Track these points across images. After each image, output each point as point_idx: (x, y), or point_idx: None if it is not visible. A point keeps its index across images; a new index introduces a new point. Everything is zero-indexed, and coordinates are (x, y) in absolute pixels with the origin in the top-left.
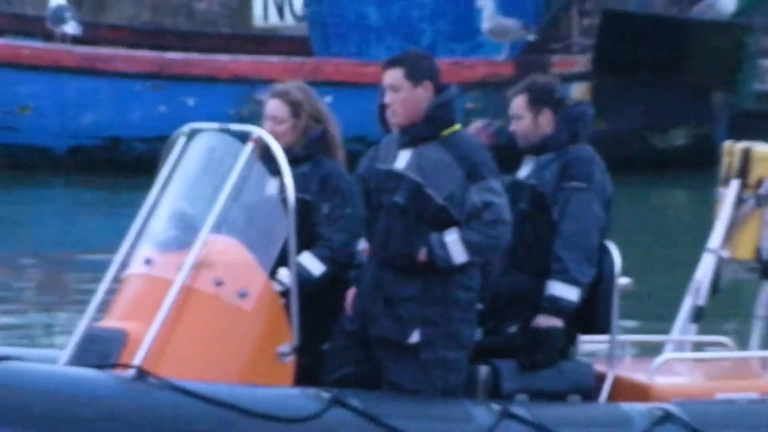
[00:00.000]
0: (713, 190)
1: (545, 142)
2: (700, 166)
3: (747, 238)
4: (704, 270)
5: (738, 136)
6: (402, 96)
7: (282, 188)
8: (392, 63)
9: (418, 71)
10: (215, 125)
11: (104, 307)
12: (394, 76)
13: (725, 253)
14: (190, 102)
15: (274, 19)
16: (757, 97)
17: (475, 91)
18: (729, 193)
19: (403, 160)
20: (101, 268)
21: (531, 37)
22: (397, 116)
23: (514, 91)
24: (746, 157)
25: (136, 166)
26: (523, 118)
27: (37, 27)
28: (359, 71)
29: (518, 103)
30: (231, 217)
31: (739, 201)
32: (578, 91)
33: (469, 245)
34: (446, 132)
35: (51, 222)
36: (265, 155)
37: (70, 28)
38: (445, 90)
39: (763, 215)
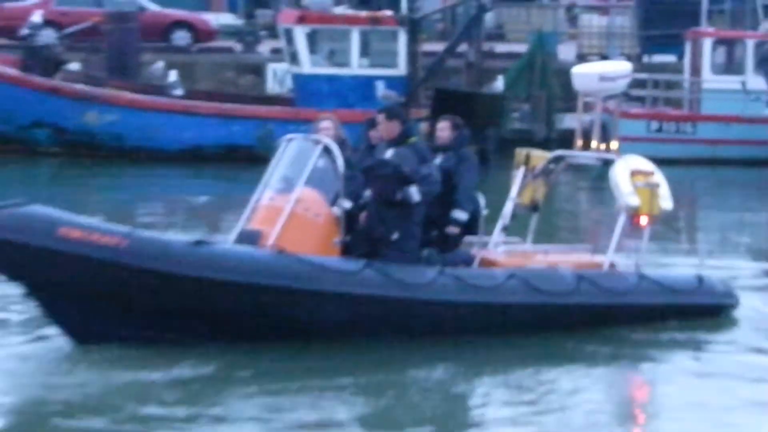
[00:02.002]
0: (510, 172)
1: (452, 146)
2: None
3: (527, 193)
4: (508, 207)
5: (502, 151)
6: (384, 126)
7: (335, 163)
8: (380, 111)
9: (391, 115)
10: (301, 135)
11: (248, 219)
12: (380, 117)
13: (517, 200)
14: (236, 128)
15: (276, 89)
16: (510, 132)
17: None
18: (519, 173)
19: (389, 153)
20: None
21: (402, 100)
22: (383, 134)
23: (443, 119)
24: (528, 156)
25: (213, 159)
26: (445, 131)
27: (161, 90)
28: (317, 115)
29: (445, 124)
30: (311, 178)
31: (524, 177)
32: (423, 126)
33: (421, 192)
34: (409, 141)
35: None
36: (327, 150)
37: (179, 91)
38: (407, 123)
39: (536, 184)
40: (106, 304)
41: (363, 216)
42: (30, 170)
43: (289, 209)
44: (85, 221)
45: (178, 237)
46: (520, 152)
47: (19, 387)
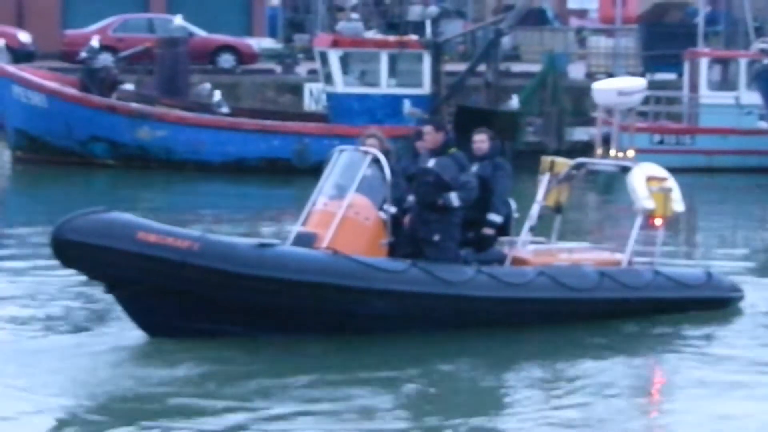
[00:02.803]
0: (537, 178)
1: (488, 155)
2: None
3: (552, 197)
4: (534, 209)
5: (518, 162)
6: (431, 137)
7: (382, 172)
8: (428, 123)
9: (439, 127)
10: (352, 147)
11: (304, 223)
12: (427, 128)
13: (543, 203)
14: (275, 143)
15: (313, 106)
16: (524, 144)
17: (402, 140)
18: (545, 178)
19: (431, 163)
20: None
21: (426, 116)
22: (428, 144)
23: (479, 132)
24: (552, 162)
25: (254, 171)
26: (485, 143)
27: (209, 108)
28: (349, 131)
29: (482, 137)
30: (361, 185)
31: (549, 182)
32: None
33: (460, 198)
34: (449, 151)
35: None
36: (375, 160)
37: (225, 109)
38: (449, 135)
39: (560, 188)
40: (178, 301)
41: (407, 219)
42: (89, 180)
43: (341, 214)
44: (160, 226)
45: (243, 240)
46: (546, 159)
47: (91, 377)
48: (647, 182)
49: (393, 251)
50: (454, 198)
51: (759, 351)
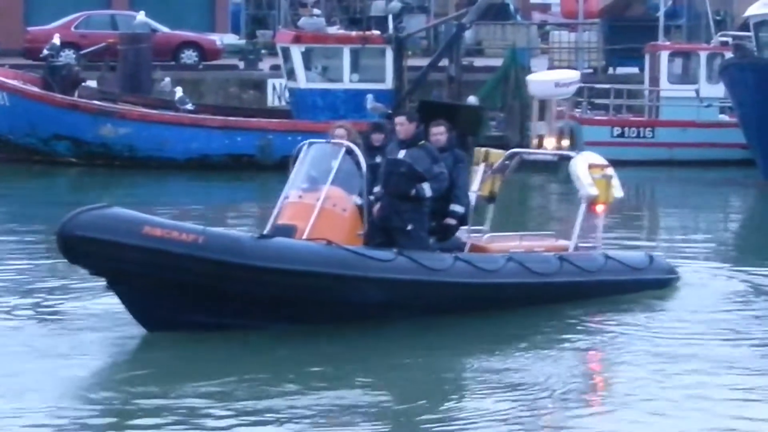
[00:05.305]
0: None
1: (446, 147)
2: None
3: (487, 186)
4: (470, 199)
5: None
6: (404, 127)
7: (357, 164)
8: (401, 114)
9: (410, 118)
10: (323, 140)
11: (278, 216)
12: (401, 119)
13: (479, 192)
14: (239, 139)
15: (276, 102)
16: (487, 138)
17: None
18: (480, 168)
19: (401, 154)
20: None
21: (389, 111)
22: (401, 135)
23: (437, 124)
24: (487, 153)
25: (215, 168)
26: (443, 135)
27: (171, 105)
28: (313, 126)
29: (440, 129)
30: (336, 177)
31: (484, 172)
32: None
33: (432, 189)
34: (420, 143)
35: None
36: (349, 152)
37: (189, 106)
38: (420, 126)
39: (494, 178)
40: (181, 295)
41: (377, 209)
42: (52, 179)
43: (319, 206)
44: (164, 221)
45: (242, 233)
46: (480, 150)
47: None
48: (589, 170)
49: (365, 241)
50: (426, 188)
51: (697, 328)
